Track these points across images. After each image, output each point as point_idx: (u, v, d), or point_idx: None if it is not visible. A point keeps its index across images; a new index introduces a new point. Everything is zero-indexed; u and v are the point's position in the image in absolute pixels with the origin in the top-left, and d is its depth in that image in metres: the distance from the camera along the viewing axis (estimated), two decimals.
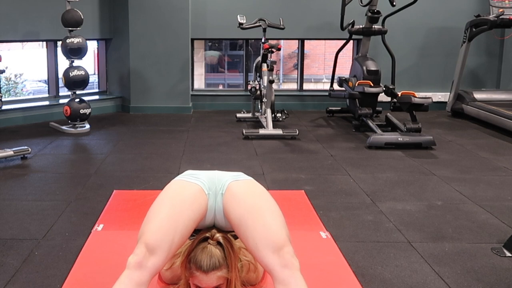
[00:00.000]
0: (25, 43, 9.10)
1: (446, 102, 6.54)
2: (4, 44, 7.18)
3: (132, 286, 1.74)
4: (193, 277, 1.84)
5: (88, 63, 6.77)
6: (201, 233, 1.91)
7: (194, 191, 1.94)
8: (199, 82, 9.34)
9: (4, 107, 5.23)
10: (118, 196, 3.28)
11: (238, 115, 6.02)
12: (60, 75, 5.59)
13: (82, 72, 5.27)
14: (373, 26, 5.76)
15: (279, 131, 5.07)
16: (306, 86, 7.20)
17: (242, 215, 1.87)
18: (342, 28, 5.92)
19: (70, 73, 5.20)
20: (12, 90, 10.96)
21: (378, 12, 5.56)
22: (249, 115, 6.02)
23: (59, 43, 5.35)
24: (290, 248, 1.83)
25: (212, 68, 10.93)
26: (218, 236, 1.87)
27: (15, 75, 11.11)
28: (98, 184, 3.59)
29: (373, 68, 5.59)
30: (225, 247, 1.84)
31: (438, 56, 6.79)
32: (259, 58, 5.64)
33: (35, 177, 3.75)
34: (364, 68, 5.61)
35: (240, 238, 1.91)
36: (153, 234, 1.83)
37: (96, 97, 6.49)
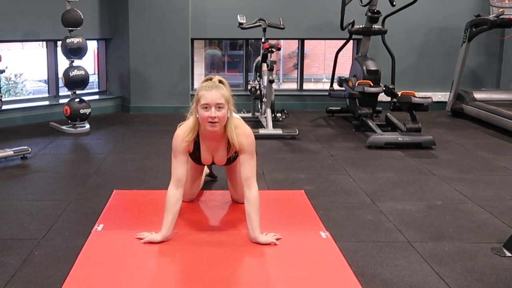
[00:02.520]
0: (25, 43, 9.11)
1: (446, 102, 6.54)
2: (4, 44, 7.17)
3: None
4: (200, 99, 2.51)
5: (88, 63, 6.77)
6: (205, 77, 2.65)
7: None
8: (199, 82, 9.33)
9: (4, 107, 5.22)
10: (118, 196, 3.28)
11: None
12: (60, 75, 5.59)
13: (82, 72, 5.27)
14: (373, 26, 5.76)
15: (279, 131, 5.07)
16: (306, 86, 7.20)
17: None
18: (342, 28, 5.92)
19: (70, 73, 5.20)
20: (12, 90, 10.96)
21: (378, 12, 5.56)
22: (249, 115, 6.02)
23: (59, 43, 5.35)
24: None
25: (212, 68, 10.93)
26: (218, 77, 2.60)
27: (15, 75, 11.12)
28: (98, 184, 3.59)
29: (373, 68, 5.59)
30: (224, 83, 2.58)
31: (438, 56, 6.79)
32: (259, 58, 5.64)
33: (35, 177, 3.76)
34: (364, 68, 5.61)
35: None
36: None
37: (96, 97, 6.49)
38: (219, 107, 2.49)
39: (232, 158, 2.77)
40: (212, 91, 2.49)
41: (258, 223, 2.55)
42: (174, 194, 2.58)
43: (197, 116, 2.57)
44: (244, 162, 2.60)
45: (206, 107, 2.49)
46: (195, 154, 2.73)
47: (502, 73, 6.80)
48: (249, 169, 2.58)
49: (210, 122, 2.50)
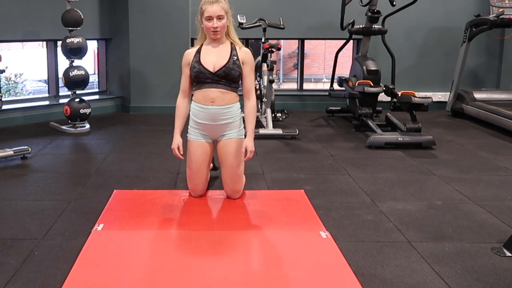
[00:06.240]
0: (25, 43, 9.11)
1: (446, 102, 6.54)
2: (4, 44, 7.19)
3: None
4: (204, 13, 3.00)
5: (88, 63, 6.78)
6: None
7: None
8: None
9: (4, 107, 5.22)
10: (118, 196, 3.28)
11: None
12: (60, 75, 5.59)
13: (82, 72, 5.27)
14: (373, 26, 5.76)
15: (279, 131, 5.07)
16: (306, 86, 7.21)
17: None
18: (342, 28, 5.92)
19: (70, 73, 5.20)
20: (12, 90, 10.98)
21: (378, 12, 5.56)
22: None
23: (59, 43, 5.35)
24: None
25: None
26: None
27: (15, 75, 11.14)
28: (98, 184, 3.59)
29: (373, 68, 5.59)
30: None
31: (438, 56, 6.79)
32: (259, 58, 5.63)
33: (35, 177, 3.76)
34: (364, 68, 5.61)
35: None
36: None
37: (96, 97, 6.50)
38: (220, 18, 3.00)
39: (231, 64, 3.06)
40: (214, 5, 2.98)
41: (252, 126, 3.24)
42: (181, 102, 3.29)
43: (202, 26, 3.07)
44: (246, 76, 3.14)
45: (209, 19, 3.00)
46: (195, 58, 3.10)
47: (502, 73, 6.81)
48: (249, 82, 3.16)
49: (213, 31, 3.02)
